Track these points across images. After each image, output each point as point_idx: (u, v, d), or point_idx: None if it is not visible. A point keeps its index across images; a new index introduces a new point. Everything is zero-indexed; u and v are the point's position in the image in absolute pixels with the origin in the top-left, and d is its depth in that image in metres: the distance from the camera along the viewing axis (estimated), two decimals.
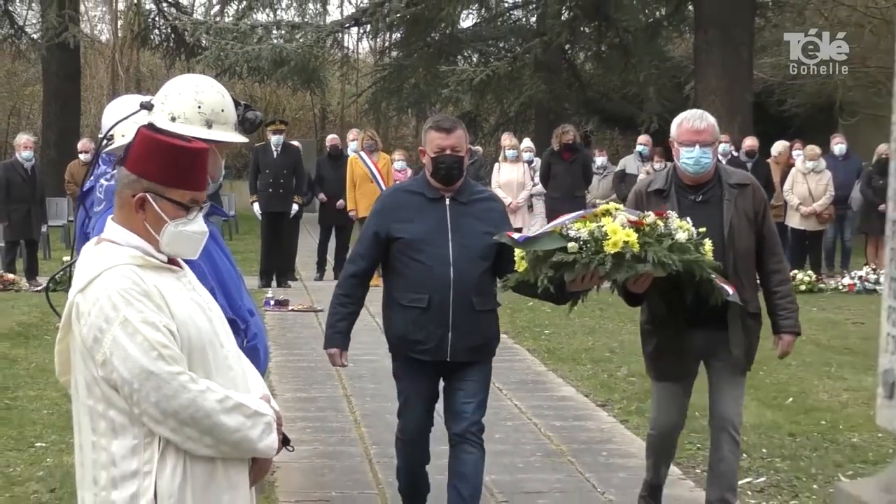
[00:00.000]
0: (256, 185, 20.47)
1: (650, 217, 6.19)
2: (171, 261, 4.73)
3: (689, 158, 6.68)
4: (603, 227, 6.07)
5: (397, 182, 7.76)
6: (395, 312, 7.02)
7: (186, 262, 5.01)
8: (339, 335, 7.17)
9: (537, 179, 21.62)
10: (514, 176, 21.21)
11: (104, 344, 4.44)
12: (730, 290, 6.44)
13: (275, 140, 20.40)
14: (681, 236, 6.13)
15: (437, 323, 6.75)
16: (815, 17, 31.85)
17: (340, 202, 20.85)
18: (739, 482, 9.00)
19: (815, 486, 9.01)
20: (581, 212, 6.53)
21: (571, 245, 6.04)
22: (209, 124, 5.40)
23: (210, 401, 4.47)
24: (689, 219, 6.33)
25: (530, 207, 21.71)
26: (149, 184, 4.55)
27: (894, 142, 3.33)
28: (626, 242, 5.97)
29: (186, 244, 4.67)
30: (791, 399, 11.91)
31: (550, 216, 20.68)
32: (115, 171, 6.38)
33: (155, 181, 4.55)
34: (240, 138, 5.62)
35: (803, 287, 19.20)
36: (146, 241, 4.58)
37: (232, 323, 5.31)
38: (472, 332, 6.83)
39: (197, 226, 4.66)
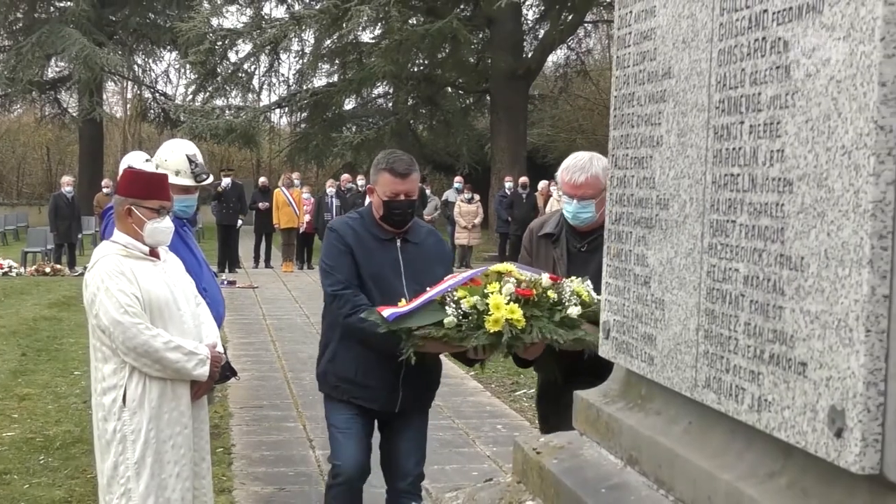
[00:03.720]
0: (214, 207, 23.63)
1: (544, 281, 4.39)
2: (153, 253, 4.93)
3: (568, 212, 4.88)
4: (487, 299, 4.27)
5: (341, 217, 5.60)
6: (344, 349, 5.02)
7: (185, 258, 5.39)
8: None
9: None
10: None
11: (96, 304, 4.76)
12: None
13: (226, 181, 23.51)
14: (572, 311, 4.32)
15: (390, 369, 4.75)
16: (565, 104, 36.95)
17: (264, 203, 24.00)
18: (517, 392, 9.99)
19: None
20: (471, 272, 4.62)
21: (448, 320, 4.28)
22: (177, 173, 5.69)
23: (158, 342, 4.72)
24: (588, 283, 4.47)
25: None
26: (132, 199, 4.84)
27: (609, 182, 3.16)
28: (508, 320, 4.22)
29: (161, 235, 4.92)
30: None
31: None
32: None
33: (135, 197, 4.85)
34: (190, 182, 5.80)
35: None
36: (134, 238, 4.86)
37: None
38: (421, 379, 4.97)
39: (166, 223, 4.91)
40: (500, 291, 4.31)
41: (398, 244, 5.01)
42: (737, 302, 2.47)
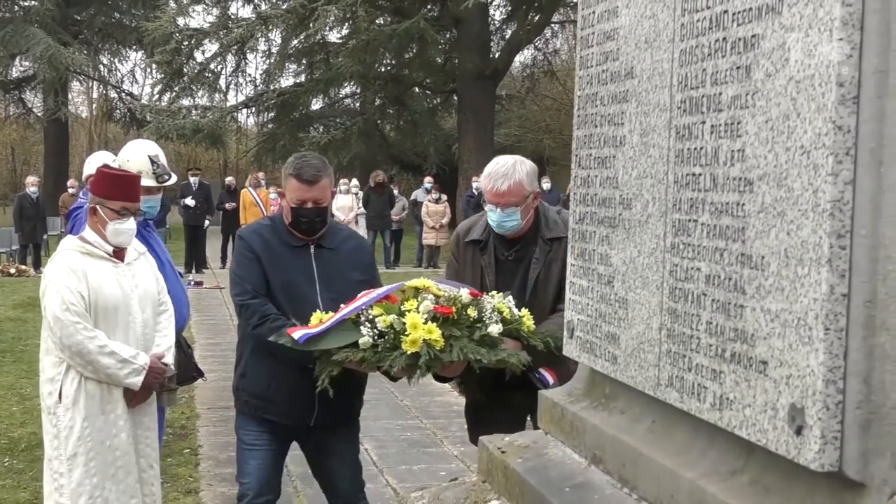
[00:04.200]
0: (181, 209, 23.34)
1: (463, 296, 4.17)
2: (117, 255, 4.90)
3: (492, 220, 4.62)
4: (404, 317, 4.02)
5: (251, 224, 5.13)
6: (255, 363, 4.78)
7: (159, 259, 5.46)
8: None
9: (361, 205, 24.54)
10: (346, 202, 24.08)
11: (45, 297, 4.80)
12: (549, 379, 4.49)
13: (193, 180, 23.41)
14: (493, 329, 4.12)
15: (304, 382, 4.33)
16: (532, 105, 37.01)
17: (231, 204, 23.67)
18: None
19: None
20: (386, 289, 4.32)
21: (364, 340, 4.03)
22: (138, 174, 5.42)
23: (93, 345, 4.69)
24: (510, 298, 4.34)
25: (357, 222, 24.02)
26: (98, 199, 4.85)
27: (573, 182, 3.21)
28: (426, 341, 3.98)
29: (122, 236, 4.87)
30: None
31: (370, 227, 23.97)
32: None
33: (101, 196, 4.85)
34: (152, 183, 5.76)
35: None
36: (99, 236, 4.85)
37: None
38: (341, 391, 4.33)
39: (128, 225, 4.86)
40: (417, 309, 4.10)
41: (311, 250, 4.79)
42: (699, 301, 2.48)
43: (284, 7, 29.23)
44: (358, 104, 36.01)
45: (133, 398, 4.90)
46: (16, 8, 38.82)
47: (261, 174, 25.91)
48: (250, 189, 23.61)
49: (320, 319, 4.25)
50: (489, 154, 29.94)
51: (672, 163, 2.64)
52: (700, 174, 2.49)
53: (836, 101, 1.99)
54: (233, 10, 33.42)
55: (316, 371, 4.23)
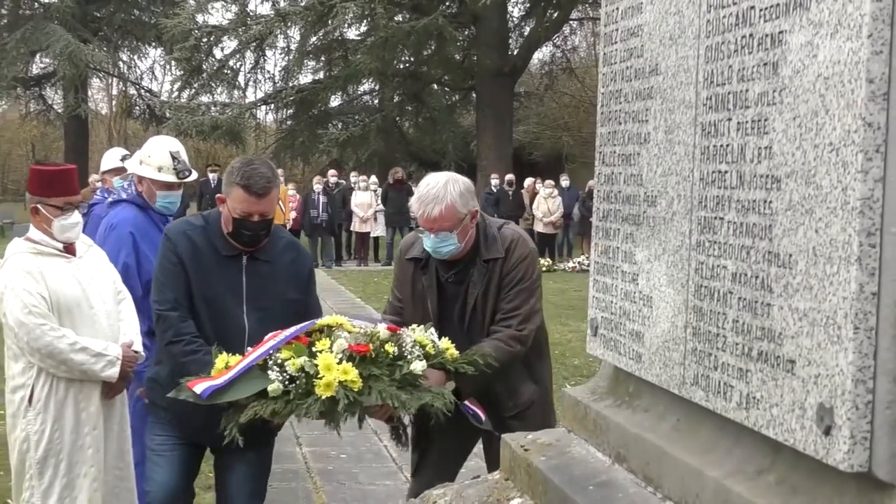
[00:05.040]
0: (201, 204, 23.21)
1: (381, 331, 3.88)
2: (69, 250, 4.84)
3: (427, 246, 4.35)
4: (316, 360, 3.69)
5: (181, 222, 4.51)
6: (167, 374, 4.34)
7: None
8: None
9: (380, 201, 24.65)
10: (365, 199, 24.30)
11: (3, 303, 4.72)
12: (482, 415, 4.27)
13: (212, 176, 23.74)
14: (416, 366, 3.81)
15: (217, 406, 3.85)
16: (551, 102, 36.93)
17: None
18: None
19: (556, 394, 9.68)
20: (296, 328, 3.89)
21: (273, 388, 3.68)
22: (159, 169, 5.64)
23: (63, 343, 4.63)
24: (432, 330, 4.08)
25: (376, 219, 24.45)
26: (37, 198, 4.77)
27: (597, 179, 3.15)
28: (342, 383, 3.64)
29: (69, 231, 4.79)
30: None
31: (389, 223, 24.28)
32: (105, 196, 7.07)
33: (39, 195, 4.76)
34: (172, 179, 5.66)
35: (545, 269, 21.00)
36: (46, 234, 4.78)
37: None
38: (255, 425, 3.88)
39: (73, 219, 4.78)
40: (330, 349, 3.77)
41: (243, 262, 4.39)
42: (725, 299, 2.46)
43: (303, 4, 29.26)
44: (376, 101, 36.12)
45: (110, 390, 4.87)
46: (36, 5, 38.97)
47: (279, 171, 25.82)
48: None
49: (226, 364, 3.90)
50: (507, 151, 30.48)
51: (698, 160, 2.62)
52: (726, 171, 2.47)
53: (865, 98, 1.97)
54: (251, 6, 33.45)
55: (223, 424, 3.86)
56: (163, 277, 4.37)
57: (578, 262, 22.76)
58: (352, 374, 3.68)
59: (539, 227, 24.43)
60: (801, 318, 2.15)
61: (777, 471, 2.31)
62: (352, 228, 24.84)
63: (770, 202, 2.28)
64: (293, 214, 23.96)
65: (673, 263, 2.76)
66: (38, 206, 4.75)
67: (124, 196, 5.91)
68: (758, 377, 2.31)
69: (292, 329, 3.94)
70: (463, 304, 4.48)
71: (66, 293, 4.72)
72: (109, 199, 6.46)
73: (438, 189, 4.30)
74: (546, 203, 24.47)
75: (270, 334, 3.96)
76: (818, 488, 2.16)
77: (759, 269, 2.32)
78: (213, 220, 4.43)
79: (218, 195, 4.44)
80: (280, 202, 22.53)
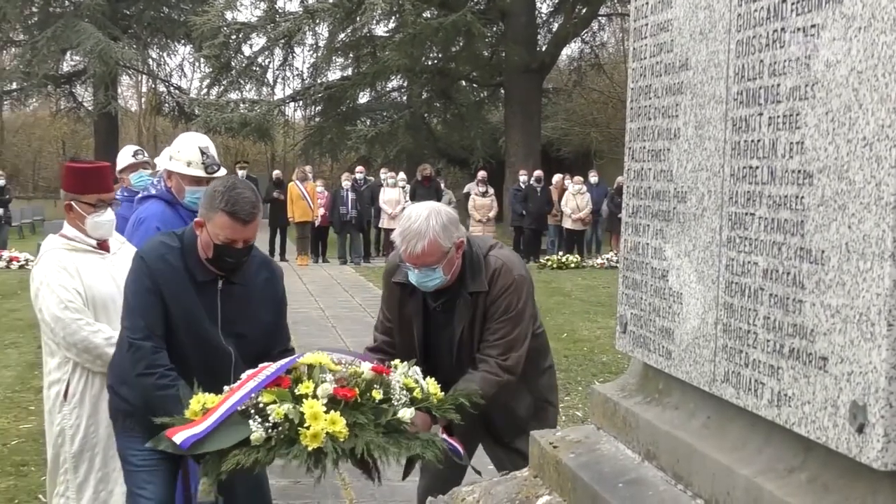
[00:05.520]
0: None
1: (365, 373, 3.71)
2: (101, 247, 4.87)
3: (413, 280, 4.23)
4: (301, 406, 3.50)
5: (156, 243, 4.25)
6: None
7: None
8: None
9: (408, 198, 23.75)
10: (393, 196, 24.03)
11: (39, 299, 4.73)
12: (461, 450, 4.05)
13: (241, 173, 22.79)
14: (403, 414, 3.64)
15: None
16: (579, 98, 36.89)
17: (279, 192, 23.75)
18: None
19: (580, 388, 9.38)
20: (276, 368, 3.71)
21: (256, 437, 3.48)
22: (188, 164, 5.62)
23: (99, 338, 4.65)
24: (416, 368, 3.89)
25: None
26: (71, 195, 4.80)
27: (626, 175, 3.15)
28: (330, 434, 3.46)
29: (102, 228, 4.82)
30: (565, 334, 12.64)
31: None
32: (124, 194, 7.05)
33: (73, 192, 4.80)
34: (201, 174, 5.60)
35: (573, 265, 21.82)
36: (79, 231, 4.81)
37: None
38: None
39: (107, 216, 4.81)
40: (314, 393, 3.57)
41: (219, 285, 4.21)
42: (756, 296, 2.44)
43: (331, 1, 29.29)
44: (405, 97, 36.28)
45: None
46: (66, 3, 39.25)
47: (308, 168, 26.00)
48: (297, 182, 23.80)
49: (203, 406, 3.69)
50: (536, 147, 30.46)
51: (728, 155, 2.60)
52: (757, 167, 2.45)
53: None
54: (280, 3, 33.90)
55: (200, 473, 3.63)
56: (134, 301, 4.13)
57: (607, 259, 22.53)
58: (339, 423, 3.50)
59: (567, 224, 24.38)
60: (833, 314, 2.13)
61: (808, 469, 2.29)
62: (380, 225, 24.82)
63: (802, 198, 2.26)
64: (322, 211, 24.02)
65: (703, 260, 2.74)
66: (72, 202, 4.78)
67: (153, 192, 5.93)
68: (789, 374, 2.29)
69: (272, 368, 3.74)
70: (451, 335, 4.38)
71: (100, 289, 4.73)
72: (139, 195, 6.40)
73: (420, 224, 4.15)
74: (574, 199, 24.31)
75: (248, 373, 3.76)
76: (851, 487, 2.14)
77: (790, 265, 2.30)
78: (189, 243, 4.21)
79: (196, 220, 4.21)
80: (308, 198, 23.04)
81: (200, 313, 4.15)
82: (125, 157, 7.61)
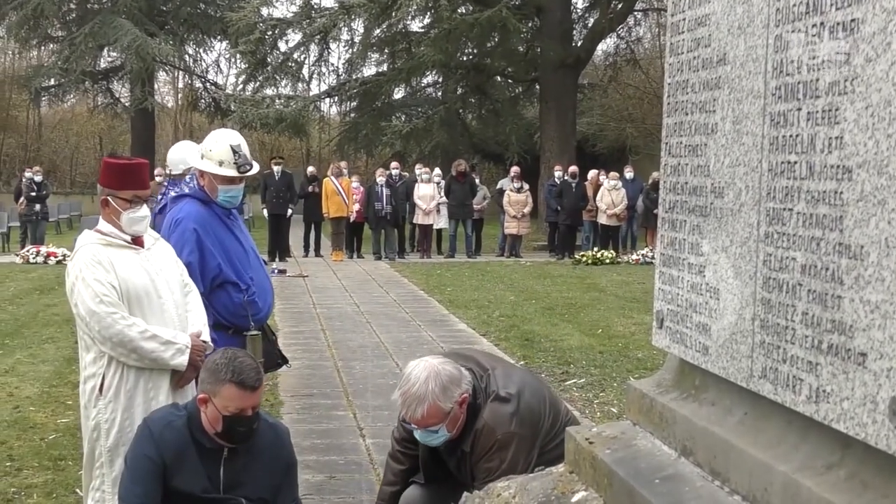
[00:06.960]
0: (265, 196, 23.36)
1: None
2: (137, 241, 4.90)
3: (417, 437, 4.40)
4: None
5: (165, 414, 4.38)
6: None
7: (231, 247, 5.60)
8: None
9: (443, 194, 24.37)
10: (428, 191, 24.11)
11: (74, 293, 4.76)
12: None
13: (276, 169, 23.40)
14: None
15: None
16: (614, 93, 36.72)
17: (314, 186, 23.82)
18: (567, 382, 9.85)
19: (615, 384, 9.49)
20: None
21: None
22: (220, 164, 5.63)
23: (134, 332, 4.68)
24: None
25: (439, 211, 24.26)
26: (108, 190, 4.83)
27: (663, 170, 3.17)
28: None
29: (137, 224, 4.85)
30: (600, 330, 12.84)
31: (452, 216, 24.10)
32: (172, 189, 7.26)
33: (110, 188, 4.83)
34: (233, 174, 5.64)
35: (608, 261, 22.03)
36: (114, 226, 4.84)
37: (235, 284, 5.61)
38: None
39: (142, 212, 4.85)
40: None
41: (224, 454, 4.25)
42: (794, 291, 2.43)
43: None
44: (440, 93, 36.19)
45: (180, 379, 4.90)
46: (104, 0, 39.56)
47: (343, 163, 26.00)
48: (332, 178, 23.81)
49: None
50: (571, 143, 30.31)
51: (766, 150, 2.59)
52: (796, 162, 2.44)
53: None
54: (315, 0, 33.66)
55: None
56: (134, 465, 4.20)
57: (642, 255, 22.56)
58: None
59: (603, 220, 24.32)
60: (872, 310, 2.12)
61: (847, 466, 2.28)
62: (415, 221, 24.83)
63: (841, 193, 2.25)
64: (356, 207, 24.04)
65: (740, 255, 2.73)
66: (109, 198, 4.80)
67: (187, 190, 5.90)
68: (828, 370, 2.28)
69: None
70: (457, 472, 4.49)
71: (135, 283, 4.76)
72: (172, 193, 6.47)
73: (419, 388, 4.22)
74: (610, 195, 24.20)
75: None
76: (890, 484, 2.13)
77: (829, 260, 2.29)
78: (194, 415, 4.28)
79: (199, 396, 4.27)
80: (343, 194, 23.06)
81: (200, 484, 4.20)
82: (182, 149, 7.67)
